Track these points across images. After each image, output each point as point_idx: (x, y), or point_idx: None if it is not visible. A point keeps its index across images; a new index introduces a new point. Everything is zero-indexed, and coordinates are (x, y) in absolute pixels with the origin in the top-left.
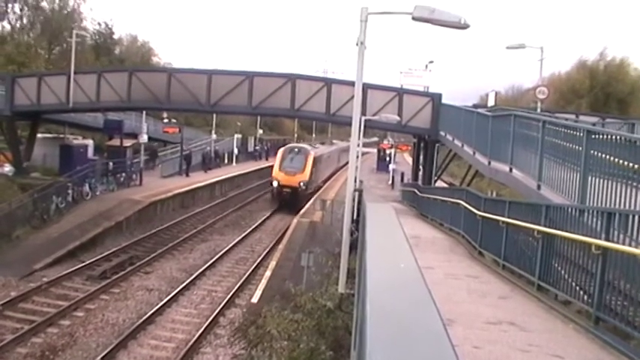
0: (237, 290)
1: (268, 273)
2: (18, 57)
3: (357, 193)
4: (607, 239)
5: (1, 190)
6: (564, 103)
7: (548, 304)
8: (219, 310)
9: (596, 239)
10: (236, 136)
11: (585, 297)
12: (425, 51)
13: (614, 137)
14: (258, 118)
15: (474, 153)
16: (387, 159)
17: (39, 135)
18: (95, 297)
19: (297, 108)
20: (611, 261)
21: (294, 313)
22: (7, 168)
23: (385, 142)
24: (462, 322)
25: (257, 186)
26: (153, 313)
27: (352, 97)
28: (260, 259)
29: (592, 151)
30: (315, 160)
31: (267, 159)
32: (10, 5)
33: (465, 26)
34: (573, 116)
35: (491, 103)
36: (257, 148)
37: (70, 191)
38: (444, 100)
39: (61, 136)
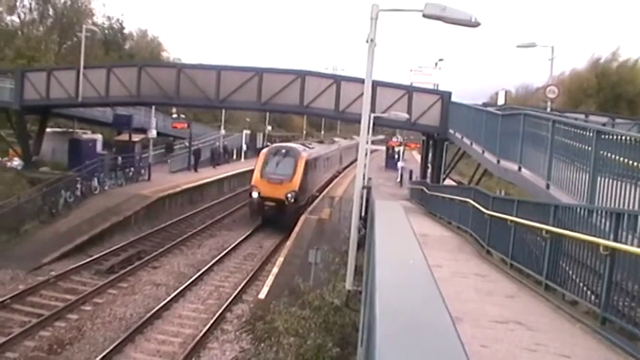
0: (244, 286)
1: (276, 269)
2: (28, 51)
3: (365, 191)
4: (615, 240)
5: (10, 185)
6: (574, 103)
7: (555, 304)
8: (227, 306)
9: (604, 240)
10: (245, 132)
11: (593, 297)
12: (435, 49)
13: (623, 138)
14: (267, 114)
15: (483, 151)
16: (396, 157)
17: (48, 129)
18: (103, 291)
19: (306, 105)
20: (619, 262)
21: (302, 310)
22: (16, 162)
23: (394, 139)
24: (469, 321)
25: None
26: (160, 308)
27: (361, 94)
28: (268, 254)
29: (601, 152)
30: (308, 164)
31: None
32: None
33: (475, 24)
34: (583, 116)
35: (501, 101)
36: (268, 144)
37: (78, 186)
38: (453, 99)
39: (70, 130)
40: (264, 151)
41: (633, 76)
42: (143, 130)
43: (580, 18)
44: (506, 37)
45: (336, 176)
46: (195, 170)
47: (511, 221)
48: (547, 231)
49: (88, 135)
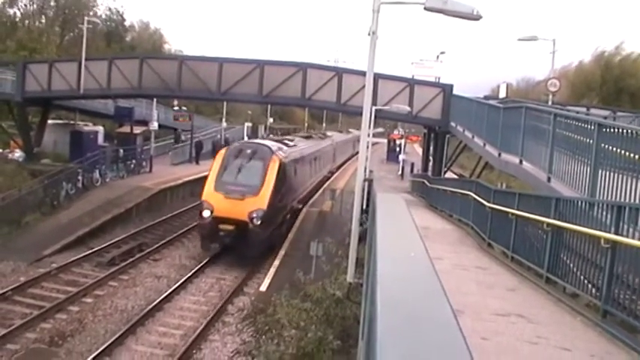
0: (245, 278)
1: (277, 262)
2: (29, 43)
3: (366, 183)
4: (616, 233)
5: (11, 176)
6: (576, 96)
7: (556, 297)
8: (228, 298)
9: (605, 233)
10: (246, 124)
11: (594, 290)
12: (436, 42)
13: (625, 131)
14: (269, 106)
15: (485, 144)
16: (397, 149)
17: (49, 121)
18: (104, 283)
19: (307, 97)
20: (620, 254)
21: (303, 302)
22: (18, 154)
23: (395, 132)
24: (470, 314)
25: None
26: (161, 300)
27: (363, 86)
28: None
29: (603, 145)
30: (285, 169)
31: None
32: None
33: (477, 17)
34: (584, 109)
35: (502, 94)
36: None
37: (80, 178)
38: (455, 92)
39: (72, 122)
40: (223, 151)
41: (636, 70)
42: (144, 123)
43: (583, 11)
44: (507, 30)
45: (328, 178)
46: (197, 162)
47: (512, 214)
48: (548, 224)
49: (89, 127)
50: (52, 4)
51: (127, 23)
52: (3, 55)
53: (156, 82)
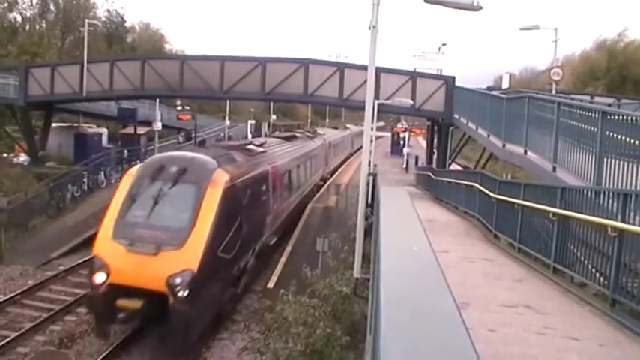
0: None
1: (284, 258)
2: (31, 47)
3: (371, 178)
4: (623, 221)
5: (17, 180)
6: (580, 84)
7: (564, 287)
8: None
9: (612, 221)
10: (249, 122)
11: (601, 279)
12: (438, 34)
13: (629, 118)
14: (272, 103)
15: (489, 136)
16: (401, 143)
17: (53, 124)
18: None
19: (310, 93)
20: (627, 243)
21: (310, 299)
22: (23, 158)
23: (399, 125)
24: (477, 305)
25: None
26: None
27: (365, 81)
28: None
29: (607, 133)
30: (235, 196)
31: None
32: None
33: (477, 8)
34: (588, 98)
35: (505, 85)
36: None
37: (85, 180)
38: (457, 83)
39: (76, 125)
40: (133, 170)
41: (639, 57)
42: (148, 123)
43: None
44: (509, 19)
45: (314, 193)
46: None
47: (518, 205)
48: (554, 214)
49: (93, 129)
50: (52, 8)
51: (127, 24)
52: (5, 60)
53: (158, 83)
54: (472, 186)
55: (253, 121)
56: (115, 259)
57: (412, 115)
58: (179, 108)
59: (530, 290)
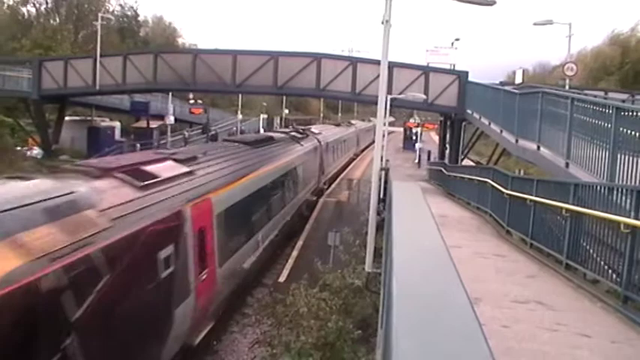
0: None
1: (295, 252)
2: (44, 41)
3: (383, 172)
4: (636, 218)
5: (30, 174)
6: (593, 80)
7: (576, 283)
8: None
9: (625, 218)
10: (262, 116)
11: (614, 276)
12: (451, 29)
13: None
14: (284, 98)
15: (501, 131)
16: (414, 138)
17: (66, 118)
18: None
19: (322, 88)
20: None
21: (322, 292)
22: (36, 151)
23: (411, 120)
24: (489, 301)
25: None
26: None
27: (378, 76)
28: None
29: (621, 129)
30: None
31: None
32: None
33: (491, 2)
34: (602, 93)
35: (518, 80)
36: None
37: None
38: (470, 78)
39: (89, 118)
40: None
41: None
42: (160, 117)
43: None
44: (522, 14)
45: (300, 219)
46: None
47: (531, 201)
48: (567, 210)
49: (106, 123)
50: (65, 1)
51: (140, 18)
52: (19, 54)
53: (171, 77)
54: (484, 181)
55: (265, 115)
56: None
57: (425, 110)
58: (192, 102)
59: (543, 286)
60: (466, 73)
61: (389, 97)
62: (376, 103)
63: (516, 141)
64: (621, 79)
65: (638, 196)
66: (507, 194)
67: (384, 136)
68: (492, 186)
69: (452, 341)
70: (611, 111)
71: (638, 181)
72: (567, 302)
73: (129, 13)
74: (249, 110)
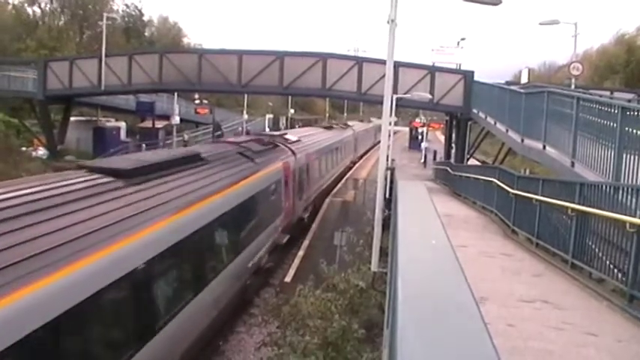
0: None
1: (301, 252)
2: (50, 42)
3: (389, 172)
4: None
5: (36, 174)
6: (599, 79)
7: (582, 282)
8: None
9: (630, 217)
10: (267, 116)
11: (620, 275)
12: (457, 28)
13: None
14: (290, 98)
15: (507, 130)
16: (420, 137)
17: (72, 118)
18: None
19: (328, 87)
20: None
21: (328, 292)
22: (41, 151)
23: (417, 120)
24: (495, 300)
25: None
26: None
27: (384, 75)
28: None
29: (627, 128)
30: None
31: None
32: None
33: (497, 2)
34: (608, 93)
35: (524, 80)
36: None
37: None
38: (476, 78)
39: (94, 119)
40: None
41: None
42: (166, 117)
43: None
44: (528, 14)
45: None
46: None
47: (536, 200)
48: (573, 209)
49: (111, 123)
50: (71, 1)
51: (145, 18)
52: (24, 54)
53: (176, 77)
54: (490, 181)
55: (271, 115)
56: None
57: (430, 110)
58: (197, 102)
59: (549, 285)
60: (472, 73)
61: (395, 96)
62: (382, 103)
63: (522, 140)
64: (627, 78)
65: None
66: (513, 194)
67: (389, 136)
68: (498, 185)
69: (457, 341)
70: (616, 111)
71: None
72: (573, 301)
73: (134, 13)
74: (254, 110)
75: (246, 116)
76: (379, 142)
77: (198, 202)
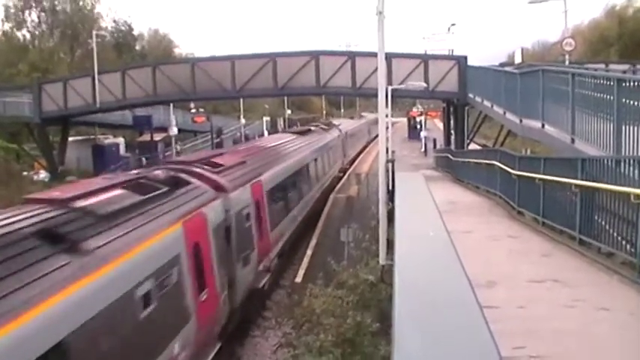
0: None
1: (310, 252)
2: (42, 64)
3: (390, 164)
4: None
5: None
6: (593, 53)
7: (591, 258)
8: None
9: (634, 189)
10: (265, 118)
11: (628, 247)
12: (447, 14)
13: None
14: (285, 98)
15: (505, 112)
16: (418, 127)
17: (70, 138)
18: None
19: (322, 85)
20: None
21: (338, 290)
22: (43, 174)
23: (414, 109)
24: (504, 283)
25: None
26: None
27: (377, 68)
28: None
29: (624, 100)
30: None
31: None
32: (27, 12)
33: None
34: (603, 66)
35: (518, 60)
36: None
37: None
38: (470, 62)
39: (92, 137)
40: None
41: None
42: (164, 129)
43: None
44: None
45: None
46: None
47: (539, 179)
48: (576, 185)
49: (110, 139)
50: (60, 20)
51: (135, 32)
52: (16, 79)
53: (171, 88)
54: (492, 164)
55: (268, 118)
56: None
57: (427, 98)
58: (193, 111)
59: (558, 264)
60: (465, 58)
61: (389, 88)
62: (377, 96)
63: (520, 121)
64: (620, 50)
65: None
66: (516, 175)
67: (387, 127)
68: (500, 168)
69: (454, 333)
70: (612, 83)
71: None
72: (583, 277)
73: (123, 28)
74: (251, 114)
75: (243, 121)
76: (375, 137)
77: None
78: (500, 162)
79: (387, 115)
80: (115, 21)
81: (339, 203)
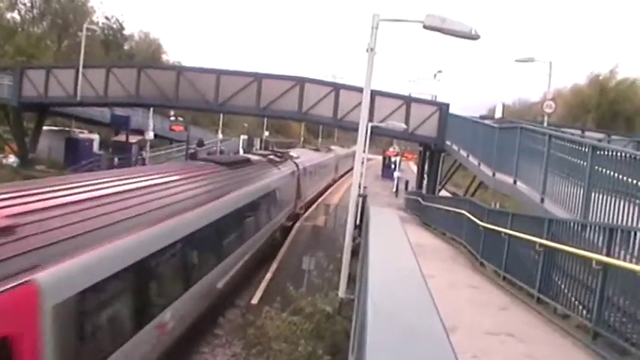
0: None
1: (269, 275)
2: (28, 49)
3: (361, 199)
4: (608, 255)
5: (4, 182)
6: (572, 117)
7: (547, 317)
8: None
9: (597, 254)
10: (242, 137)
11: (584, 312)
12: (434, 60)
13: (619, 154)
14: (265, 120)
15: (479, 164)
16: (392, 166)
17: (45, 127)
18: None
19: (304, 111)
20: (611, 277)
21: (294, 316)
22: (12, 159)
23: (391, 149)
24: (461, 332)
25: None
26: None
27: (360, 102)
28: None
29: (596, 167)
30: None
31: None
32: None
33: (475, 37)
34: (579, 132)
35: (498, 114)
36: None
37: None
38: (451, 110)
39: (67, 129)
40: None
41: (631, 95)
42: (140, 132)
43: (579, 34)
44: (505, 50)
45: None
46: None
47: (505, 234)
48: (541, 244)
49: (84, 134)
50: (52, 8)
51: (126, 32)
52: (1, 60)
53: (153, 92)
54: (461, 213)
55: (246, 137)
56: None
57: (405, 140)
58: (172, 118)
59: (514, 319)
60: (447, 105)
61: (370, 124)
62: (357, 130)
63: (493, 174)
64: (598, 118)
65: (611, 233)
66: (483, 226)
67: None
68: (468, 218)
69: None
70: (587, 149)
71: (610, 219)
72: (538, 335)
73: (114, 26)
74: (229, 130)
75: (220, 136)
76: (342, 175)
77: None
78: (469, 212)
79: (364, 151)
80: (107, 17)
81: (305, 231)
